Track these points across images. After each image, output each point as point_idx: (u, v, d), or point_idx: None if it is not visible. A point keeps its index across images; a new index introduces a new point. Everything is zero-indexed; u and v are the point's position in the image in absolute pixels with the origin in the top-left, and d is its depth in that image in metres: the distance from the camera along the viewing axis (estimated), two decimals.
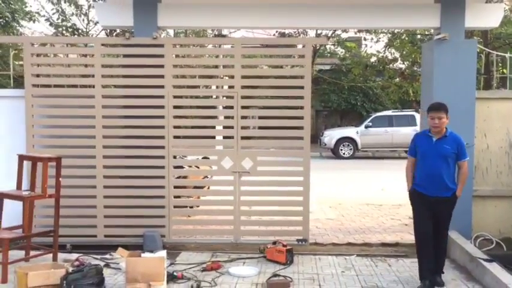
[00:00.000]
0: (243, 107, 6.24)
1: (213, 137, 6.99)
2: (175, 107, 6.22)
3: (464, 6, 6.34)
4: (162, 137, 6.18)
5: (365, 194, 10.53)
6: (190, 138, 6.64)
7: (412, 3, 6.49)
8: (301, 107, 6.20)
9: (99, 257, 5.71)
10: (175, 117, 6.24)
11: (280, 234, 6.29)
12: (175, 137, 6.31)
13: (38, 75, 6.44)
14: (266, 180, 6.38)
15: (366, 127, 19.68)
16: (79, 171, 6.13)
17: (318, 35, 23.79)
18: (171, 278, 4.97)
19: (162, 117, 6.17)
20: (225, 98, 6.47)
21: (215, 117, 6.96)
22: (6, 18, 21.69)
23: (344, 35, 24.54)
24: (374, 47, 22.92)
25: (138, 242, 6.10)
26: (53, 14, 16.47)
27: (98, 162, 6.18)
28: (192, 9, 6.47)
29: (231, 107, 6.26)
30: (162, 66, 6.15)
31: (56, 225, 5.49)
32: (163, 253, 5.04)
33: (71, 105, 6.22)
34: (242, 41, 6.69)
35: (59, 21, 16.51)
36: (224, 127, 6.55)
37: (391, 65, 21.24)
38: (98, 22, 16.75)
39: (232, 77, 6.25)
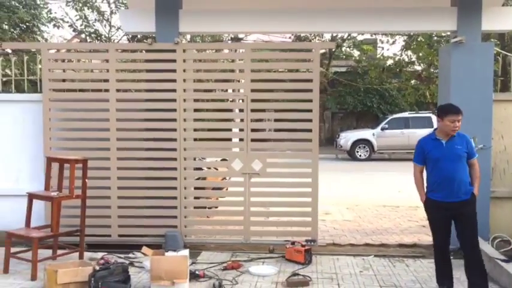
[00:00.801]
0: (253, 110, 6.40)
1: (224, 140, 7.06)
2: (186, 110, 6.38)
3: (480, 10, 6.38)
4: (174, 140, 6.35)
5: (381, 195, 10.57)
6: (199, 140, 6.82)
7: (429, 6, 6.55)
8: (310, 110, 6.33)
9: (123, 255, 5.88)
10: (186, 120, 6.40)
11: (289, 235, 6.44)
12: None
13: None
14: (275, 182, 6.53)
15: (382, 129, 19.64)
16: (94, 172, 6.24)
17: (333, 38, 23.89)
18: (193, 276, 5.12)
19: (174, 120, 6.34)
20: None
21: (228, 120, 7.00)
22: (27, 24, 22.23)
23: (360, 37, 24.59)
24: (390, 49, 22.91)
25: (151, 242, 6.24)
26: (77, 20, 16.87)
27: (112, 164, 6.36)
28: (211, 15, 6.63)
29: (241, 110, 6.43)
30: (174, 70, 6.34)
31: (82, 225, 5.68)
32: (186, 252, 5.19)
33: (87, 108, 6.43)
34: (252, 46, 6.85)
35: (82, 27, 16.88)
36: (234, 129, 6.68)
37: (407, 68, 21.19)
38: (119, 28, 17.12)
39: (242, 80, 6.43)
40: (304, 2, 6.79)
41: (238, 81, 6.43)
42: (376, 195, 10.59)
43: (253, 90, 6.40)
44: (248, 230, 6.44)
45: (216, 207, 7.32)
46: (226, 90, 7.32)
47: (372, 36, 22.51)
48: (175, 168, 6.37)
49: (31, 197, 5.62)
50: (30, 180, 6.52)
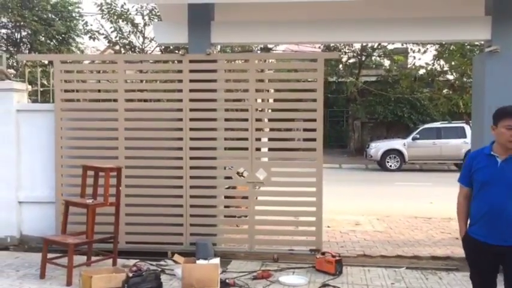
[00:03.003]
0: (257, 120, 6.48)
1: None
2: (191, 119, 6.46)
3: None
4: (180, 149, 6.45)
5: (413, 207, 10.40)
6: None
7: (462, 15, 6.48)
8: (314, 120, 6.38)
9: (155, 263, 5.96)
10: (192, 129, 6.47)
11: (294, 244, 6.54)
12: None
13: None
14: (280, 191, 6.61)
15: (414, 139, 19.32)
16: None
17: (363, 47, 23.78)
18: (224, 285, 5.16)
19: (181, 129, 6.46)
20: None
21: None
22: (63, 36, 22.99)
23: (390, 46, 24.39)
24: (422, 58, 22.59)
25: (156, 249, 6.35)
26: (112, 32, 17.35)
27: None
28: (242, 26, 6.73)
29: (246, 120, 6.48)
30: (181, 81, 6.52)
31: (116, 232, 5.80)
32: (216, 260, 5.24)
33: (97, 118, 6.62)
34: (257, 57, 6.96)
35: (117, 38, 17.33)
36: (238, 139, 6.68)
37: (440, 77, 20.84)
38: (152, 39, 17.47)
39: (246, 90, 6.51)
40: (333, 12, 6.81)
41: (247, 90, 6.51)
42: (407, 207, 10.42)
43: (258, 100, 6.54)
44: (253, 238, 6.49)
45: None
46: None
47: (402, 45, 22.28)
48: (181, 177, 6.46)
49: (67, 204, 5.78)
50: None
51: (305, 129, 6.55)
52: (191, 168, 6.47)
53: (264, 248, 6.53)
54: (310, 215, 6.47)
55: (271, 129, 6.98)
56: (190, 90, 6.47)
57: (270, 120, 6.89)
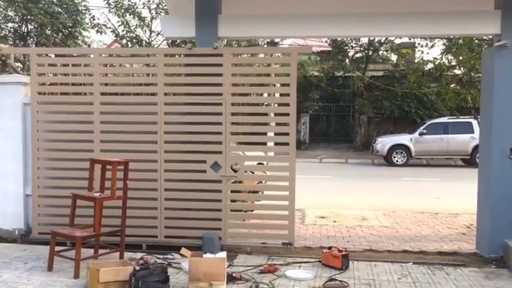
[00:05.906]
0: (232, 114, 6.48)
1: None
2: (166, 113, 6.49)
3: None
4: (155, 142, 6.47)
5: (419, 202, 10.38)
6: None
7: (471, 9, 6.41)
8: (287, 114, 6.37)
9: (161, 256, 5.99)
10: (166, 123, 6.50)
11: (267, 238, 6.59)
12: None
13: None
14: (253, 185, 6.73)
15: (420, 134, 19.28)
16: (79, 173, 6.41)
17: (370, 42, 23.67)
18: (231, 278, 5.16)
19: (155, 123, 6.47)
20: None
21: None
22: (69, 29, 23.03)
23: (397, 40, 24.28)
24: (430, 53, 22.46)
25: (130, 242, 6.30)
26: (119, 26, 17.39)
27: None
28: (250, 20, 6.70)
29: (220, 114, 6.44)
30: (155, 75, 6.58)
31: (123, 225, 5.82)
32: (223, 254, 5.25)
33: (73, 111, 6.65)
34: (231, 51, 7.00)
35: (124, 32, 17.37)
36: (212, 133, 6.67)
37: (448, 72, 20.72)
38: (159, 33, 17.48)
39: (220, 84, 6.47)
40: (341, 6, 6.77)
41: (220, 84, 6.47)
42: (413, 202, 10.41)
43: (233, 94, 6.51)
44: (226, 232, 6.50)
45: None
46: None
47: (410, 39, 22.18)
48: (156, 170, 6.47)
49: (75, 197, 5.80)
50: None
51: (278, 124, 6.59)
52: (166, 161, 6.49)
53: (236, 242, 6.55)
54: (283, 209, 6.47)
55: (246, 123, 6.90)
56: (165, 84, 6.52)
57: (243, 114, 6.84)
